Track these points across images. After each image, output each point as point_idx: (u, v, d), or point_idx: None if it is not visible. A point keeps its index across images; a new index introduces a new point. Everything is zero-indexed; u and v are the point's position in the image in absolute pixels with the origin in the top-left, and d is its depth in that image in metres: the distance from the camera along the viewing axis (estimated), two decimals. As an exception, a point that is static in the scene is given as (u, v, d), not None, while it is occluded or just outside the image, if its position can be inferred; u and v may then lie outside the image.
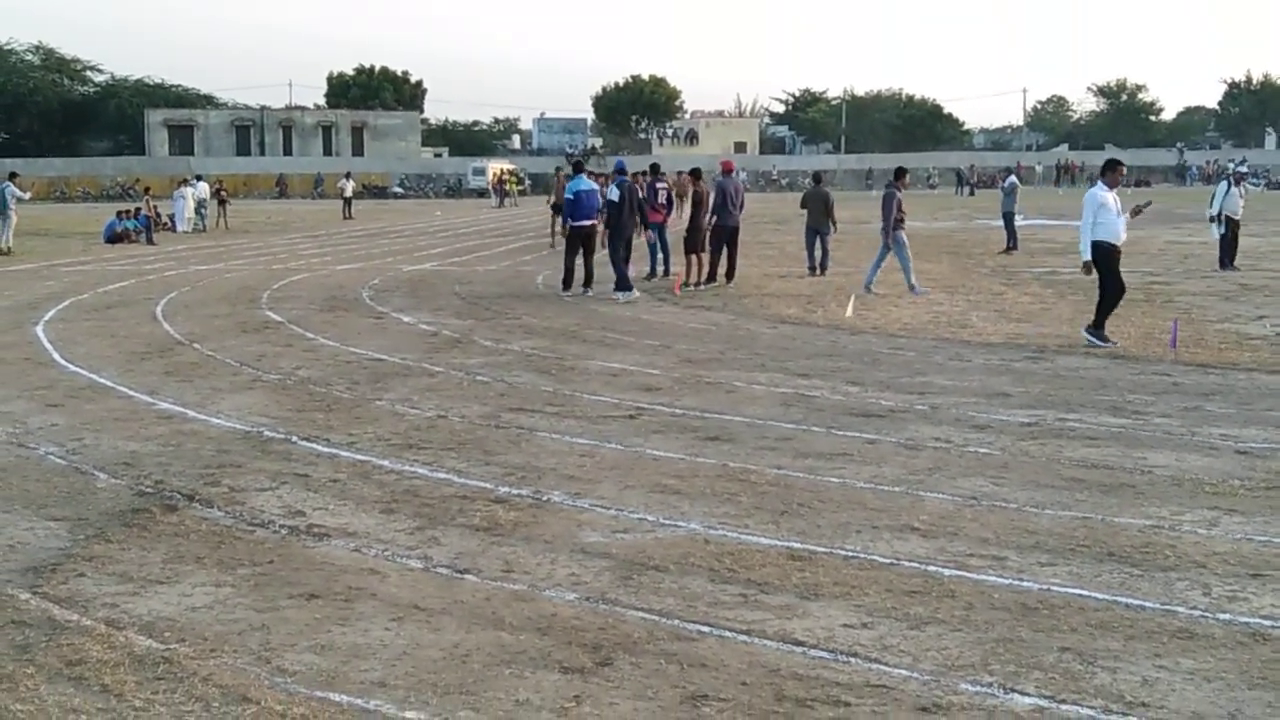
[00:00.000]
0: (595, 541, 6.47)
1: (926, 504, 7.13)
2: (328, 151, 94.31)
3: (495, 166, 79.57)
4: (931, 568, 5.95)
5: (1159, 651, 4.90)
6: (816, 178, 24.81)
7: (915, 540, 6.43)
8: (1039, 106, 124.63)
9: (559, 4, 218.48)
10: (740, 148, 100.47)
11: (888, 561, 6.06)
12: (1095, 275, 13.38)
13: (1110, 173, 13.39)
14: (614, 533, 6.62)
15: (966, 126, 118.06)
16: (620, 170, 19.56)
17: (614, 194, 18.79)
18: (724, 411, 9.89)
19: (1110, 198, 13.15)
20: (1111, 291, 13.42)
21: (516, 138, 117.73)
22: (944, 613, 5.34)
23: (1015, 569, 5.93)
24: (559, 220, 23.85)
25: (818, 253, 22.29)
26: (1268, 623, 5.20)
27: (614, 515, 6.94)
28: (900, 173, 19.96)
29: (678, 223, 23.56)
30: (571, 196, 19.45)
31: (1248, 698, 4.49)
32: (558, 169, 24.30)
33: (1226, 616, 5.28)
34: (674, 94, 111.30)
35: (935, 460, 8.22)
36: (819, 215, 22.23)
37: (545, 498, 7.33)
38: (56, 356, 13.07)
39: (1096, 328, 13.47)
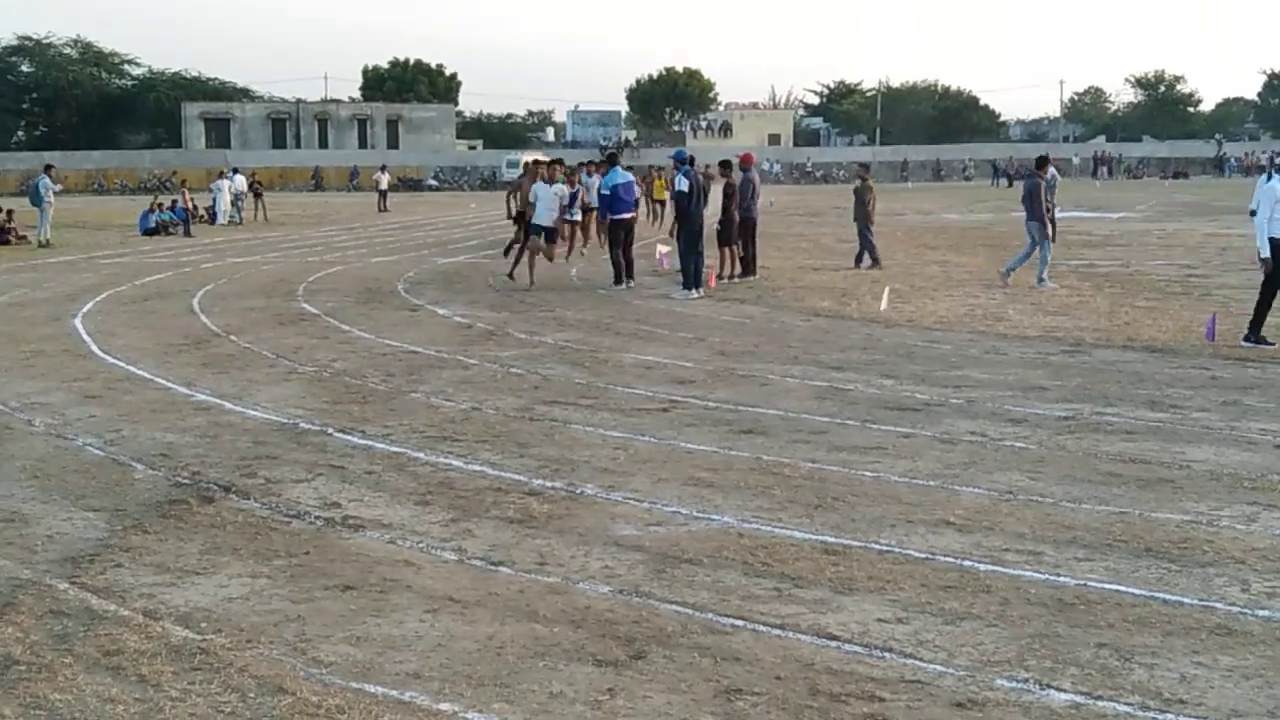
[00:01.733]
0: (629, 534, 6.47)
1: (962, 498, 7.09)
2: (363, 144, 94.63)
3: (529, 158, 79.62)
4: (967, 562, 5.92)
5: (1197, 648, 4.85)
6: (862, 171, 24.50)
7: (950, 535, 6.39)
8: (1076, 98, 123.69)
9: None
10: (774, 140, 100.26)
11: (923, 556, 6.03)
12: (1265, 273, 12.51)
13: None
14: (647, 526, 6.62)
15: (1003, 118, 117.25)
16: (683, 160, 19.31)
17: (682, 184, 18.42)
18: (758, 405, 9.87)
19: None
20: (1274, 291, 12.52)
21: (551, 130, 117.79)
22: (979, 608, 5.31)
23: (1052, 564, 5.89)
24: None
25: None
26: (1308, 620, 5.14)
27: (647, 508, 6.94)
28: (1042, 162, 19.72)
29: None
30: (608, 191, 19.44)
31: (1288, 696, 4.44)
32: (528, 163, 22.58)
33: (1265, 613, 5.23)
34: (708, 86, 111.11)
35: (971, 454, 8.17)
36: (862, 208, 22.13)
37: (579, 490, 7.34)
38: (95, 348, 13.18)
39: (1255, 331, 12.62)
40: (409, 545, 6.32)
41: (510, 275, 19.99)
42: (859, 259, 22.18)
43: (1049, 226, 18.75)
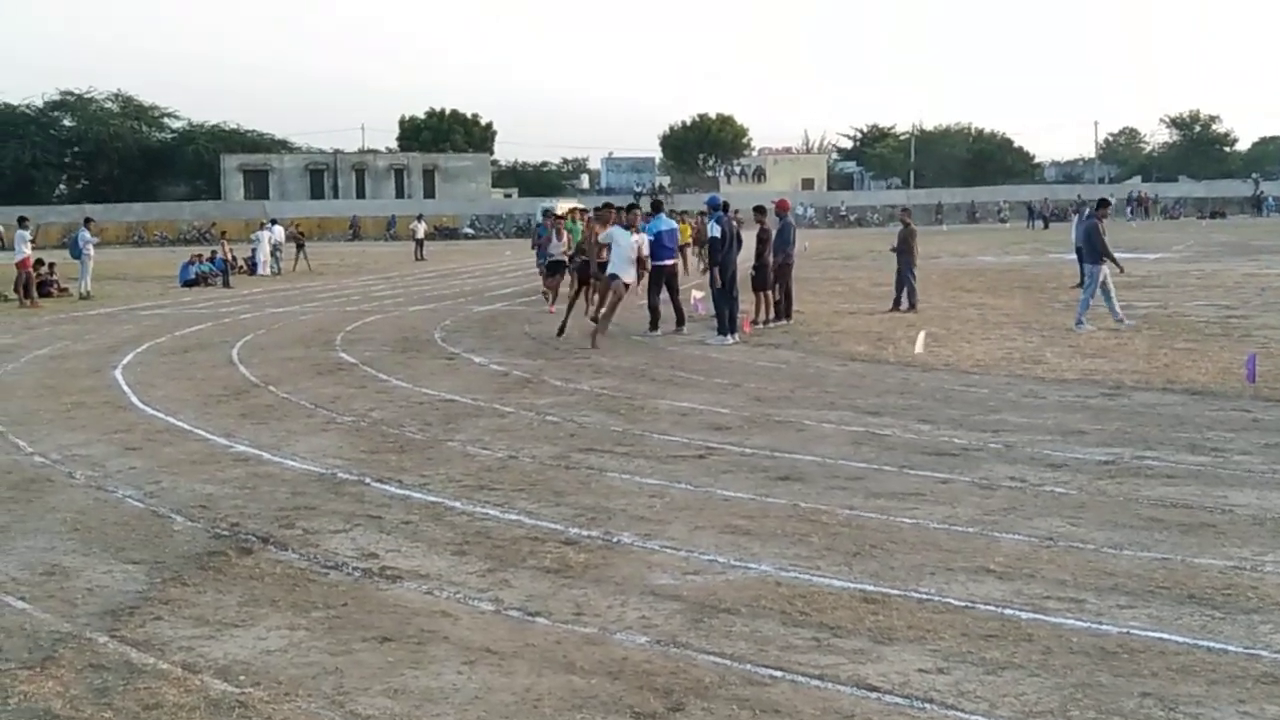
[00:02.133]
0: (666, 584, 6.44)
1: (1002, 545, 7.03)
2: (400, 194, 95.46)
3: (564, 206, 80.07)
4: (1008, 610, 5.86)
5: (1243, 697, 4.78)
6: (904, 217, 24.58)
7: (991, 582, 6.34)
8: (1111, 139, 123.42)
9: (627, 45, 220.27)
10: (808, 184, 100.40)
11: (963, 604, 5.98)
12: None
13: None
14: (684, 574, 6.59)
15: (1037, 159, 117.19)
16: (716, 206, 19.41)
17: (714, 230, 18.51)
18: (794, 451, 9.84)
19: None
20: None
21: (585, 177, 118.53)
22: (1021, 657, 5.25)
23: (1094, 611, 5.82)
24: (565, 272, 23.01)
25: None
26: (1357, 668, 5.05)
27: (684, 557, 6.91)
28: (1103, 204, 19.84)
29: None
30: (653, 236, 19.27)
31: (1338, 746, 4.36)
32: (546, 212, 22.31)
33: (1314, 661, 5.15)
34: (741, 131, 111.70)
35: (1010, 500, 8.11)
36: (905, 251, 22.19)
37: (615, 539, 7.32)
38: (135, 400, 13.30)
39: None
40: (446, 596, 6.32)
41: (560, 331, 18.82)
42: (897, 302, 22.17)
43: (1111, 266, 18.68)
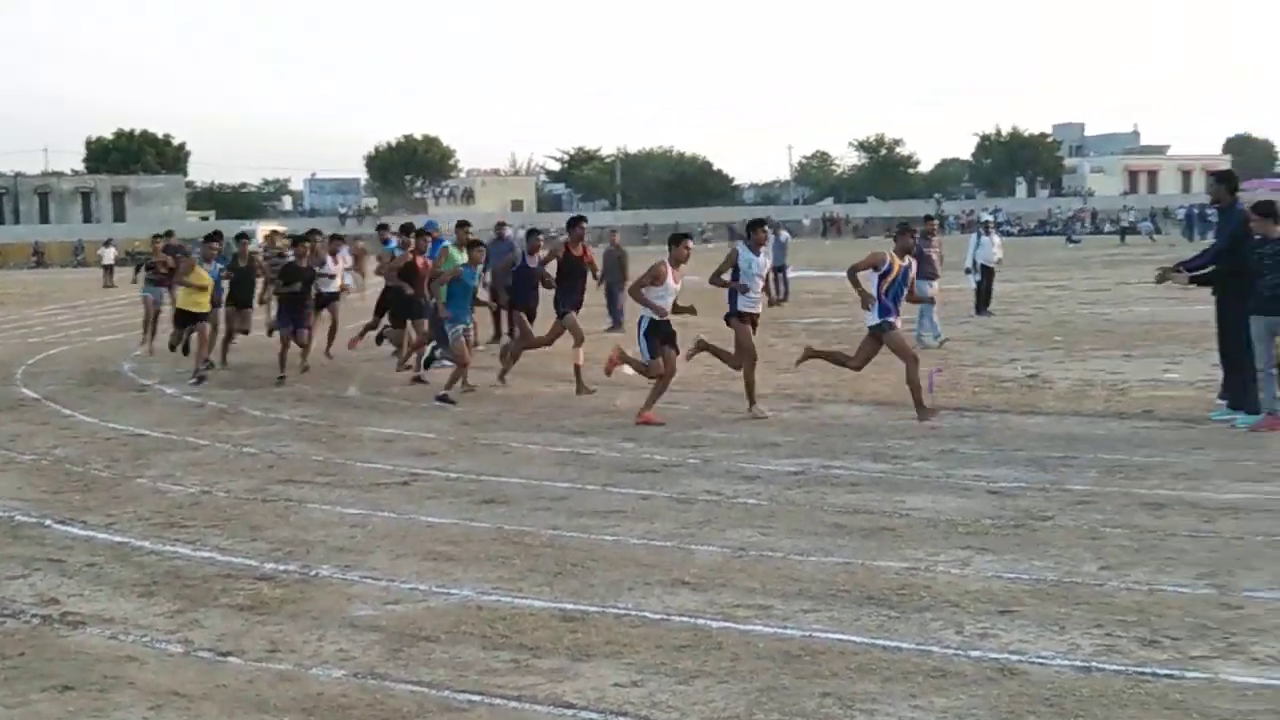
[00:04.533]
0: (365, 615, 6.37)
1: (697, 557, 7.26)
2: (88, 218, 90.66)
3: (265, 228, 77.79)
4: (700, 620, 6.06)
5: (914, 691, 5.09)
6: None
7: (686, 594, 6.53)
8: (804, 161, 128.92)
9: (326, 67, 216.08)
10: (518, 205, 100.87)
11: (658, 617, 6.14)
12: None
13: None
14: (385, 604, 6.53)
15: (736, 182, 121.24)
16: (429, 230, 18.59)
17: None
18: (500, 473, 9.88)
19: None
20: None
21: (288, 199, 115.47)
22: (711, 665, 5.44)
23: (780, 617, 6.09)
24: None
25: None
26: (1015, 657, 5.46)
27: (385, 586, 6.85)
28: (927, 222, 20.34)
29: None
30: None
31: (995, 730, 4.70)
32: (241, 236, 18.15)
33: (978, 653, 5.53)
34: (448, 153, 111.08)
35: (706, 513, 8.38)
36: (615, 273, 22.57)
37: (314, 572, 7.18)
38: None
39: None
40: (132, 639, 6.05)
41: (502, 378, 15.38)
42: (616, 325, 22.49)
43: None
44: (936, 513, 8.22)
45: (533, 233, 16.56)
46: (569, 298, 14.99)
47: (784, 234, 30.99)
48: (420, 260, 16.15)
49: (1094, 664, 5.35)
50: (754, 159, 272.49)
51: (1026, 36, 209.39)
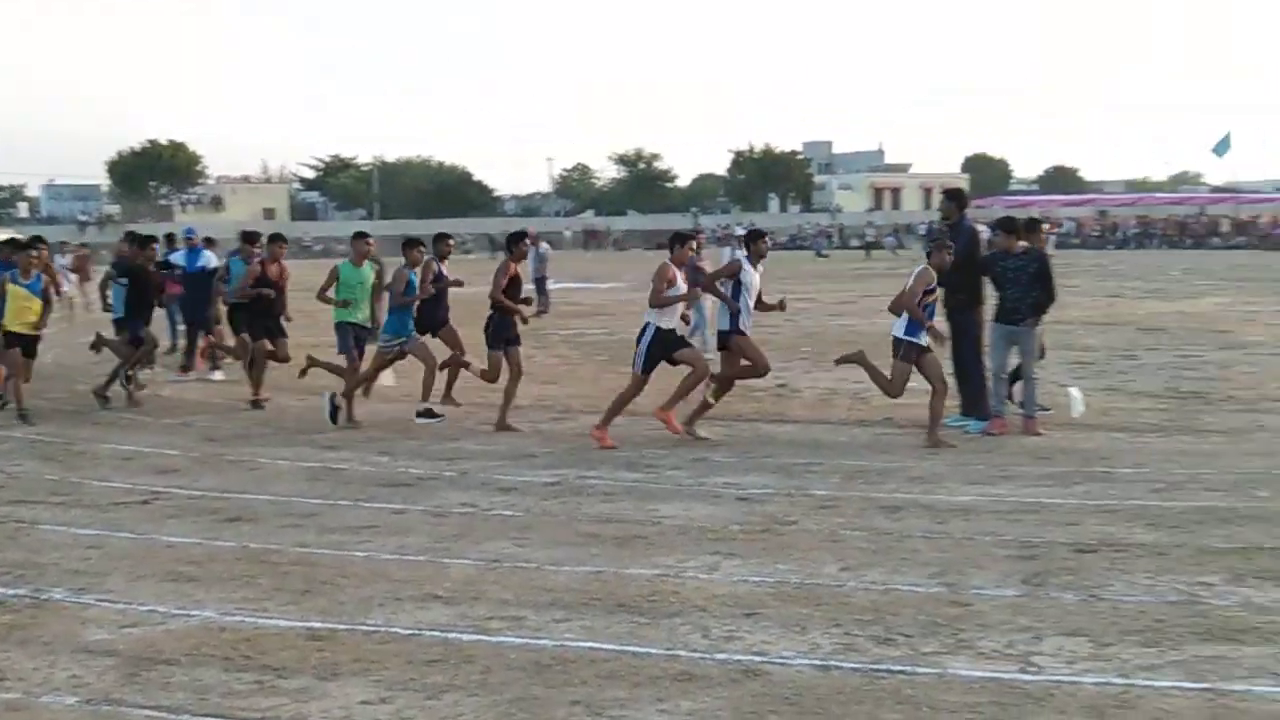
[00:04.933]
0: (100, 639, 6.09)
1: (451, 571, 7.21)
2: None
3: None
4: (452, 634, 6.02)
5: (661, 695, 5.18)
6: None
7: (438, 608, 6.48)
8: (565, 174, 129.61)
9: (66, 69, 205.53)
10: (270, 213, 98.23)
11: (409, 632, 6.07)
12: None
13: None
14: (121, 628, 6.25)
15: (498, 193, 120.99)
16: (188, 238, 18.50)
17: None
18: (247, 490, 9.60)
19: None
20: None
21: (25, 205, 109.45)
22: (462, 678, 5.41)
23: (532, 628, 6.11)
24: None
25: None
26: (759, 658, 5.62)
27: (122, 609, 6.56)
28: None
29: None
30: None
31: (739, 730, 4.82)
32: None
33: (723, 656, 5.66)
34: (194, 159, 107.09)
35: (461, 526, 8.34)
36: None
37: (45, 596, 6.84)
38: None
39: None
40: None
41: (445, 403, 14.03)
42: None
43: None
44: (688, 520, 8.39)
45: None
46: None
47: (544, 246, 31.13)
48: (275, 268, 15.25)
49: (832, 662, 5.56)
50: (513, 171, 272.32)
51: (779, 58, 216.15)
